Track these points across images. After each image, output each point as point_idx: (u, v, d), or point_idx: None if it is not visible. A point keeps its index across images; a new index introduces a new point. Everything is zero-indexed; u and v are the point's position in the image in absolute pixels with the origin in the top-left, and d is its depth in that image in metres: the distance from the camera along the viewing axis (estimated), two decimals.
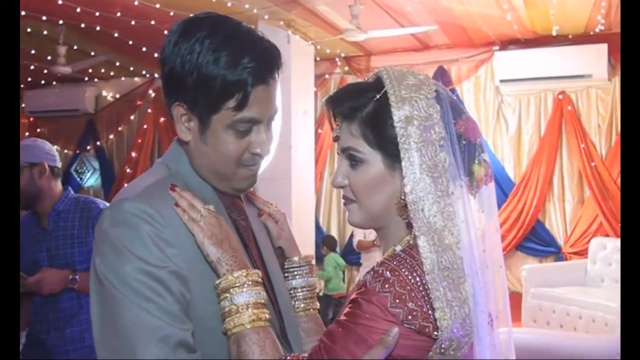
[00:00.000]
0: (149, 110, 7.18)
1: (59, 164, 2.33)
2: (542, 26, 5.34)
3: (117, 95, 7.46)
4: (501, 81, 5.84)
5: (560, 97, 5.75)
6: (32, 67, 6.07)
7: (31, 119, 7.83)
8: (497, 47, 5.85)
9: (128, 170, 7.17)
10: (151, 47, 5.49)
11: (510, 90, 5.96)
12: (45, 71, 5.88)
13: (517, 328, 3.97)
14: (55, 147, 2.40)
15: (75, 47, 5.60)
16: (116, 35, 5.21)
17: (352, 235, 5.96)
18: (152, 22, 4.73)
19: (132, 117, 7.39)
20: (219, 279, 0.98)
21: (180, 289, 0.97)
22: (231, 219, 1.12)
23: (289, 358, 0.96)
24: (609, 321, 4.52)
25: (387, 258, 0.98)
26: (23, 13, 4.35)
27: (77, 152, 7.67)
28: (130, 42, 5.49)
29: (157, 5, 4.46)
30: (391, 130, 0.99)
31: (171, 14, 4.51)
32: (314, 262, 1.30)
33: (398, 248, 1.01)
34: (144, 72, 7.11)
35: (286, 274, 1.23)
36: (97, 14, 4.54)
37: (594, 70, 5.46)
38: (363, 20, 4.58)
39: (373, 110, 1.01)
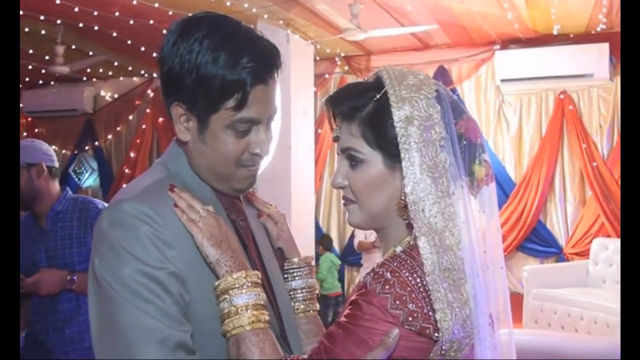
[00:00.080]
0: (148, 110, 7.16)
1: (57, 164, 2.33)
2: (543, 25, 5.34)
3: (116, 95, 7.45)
4: (502, 81, 5.83)
5: (562, 96, 5.74)
6: (30, 67, 6.05)
7: (29, 119, 7.83)
8: (498, 47, 5.84)
9: (127, 170, 7.16)
10: (150, 46, 5.48)
11: (511, 89, 5.95)
12: (43, 71, 5.87)
13: (518, 329, 3.97)
14: (54, 147, 2.41)
15: (73, 47, 5.59)
16: (114, 34, 5.20)
17: (352, 236, 5.95)
18: (151, 22, 4.73)
19: (130, 117, 7.38)
20: (218, 280, 0.98)
21: (179, 290, 0.96)
22: (230, 219, 1.12)
23: (288, 359, 0.96)
24: (610, 322, 4.51)
25: (388, 259, 0.98)
26: (21, 13, 4.35)
27: (76, 152, 7.66)
28: (129, 42, 5.49)
29: (156, 5, 4.45)
30: (391, 130, 0.98)
31: (170, 13, 4.51)
32: (313, 263, 1.29)
33: (398, 249, 1.01)
34: (142, 72, 7.10)
35: (286, 275, 1.23)
36: (96, 13, 4.54)
37: (595, 70, 5.45)
38: (363, 19, 4.58)
39: (373, 110, 1.01)
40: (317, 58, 6.17)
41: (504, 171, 5.93)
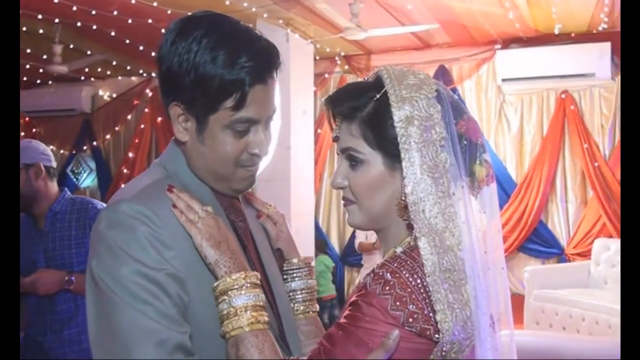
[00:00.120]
0: (146, 110, 7.15)
1: (55, 164, 2.32)
2: (545, 24, 5.33)
3: (114, 95, 7.43)
4: (503, 80, 5.81)
5: (563, 96, 5.73)
6: (27, 66, 6.04)
7: (27, 118, 7.80)
8: (499, 46, 5.83)
9: (125, 170, 7.14)
10: (148, 46, 5.48)
11: (512, 89, 5.94)
12: (41, 70, 5.85)
13: (520, 330, 3.98)
14: (51, 147, 2.40)
15: (71, 46, 5.58)
16: (113, 34, 5.19)
17: (353, 237, 5.95)
18: (149, 21, 4.72)
19: (129, 117, 7.36)
20: (217, 281, 0.97)
21: (178, 292, 0.96)
22: (229, 220, 1.11)
23: None
24: (612, 323, 4.50)
25: (388, 260, 0.97)
26: None
27: (74, 152, 7.64)
28: (127, 41, 5.48)
29: (154, 4, 4.44)
30: (391, 131, 0.98)
31: (168, 12, 4.50)
32: (313, 263, 1.29)
33: (398, 250, 1.01)
34: (141, 72, 7.09)
35: (285, 276, 1.22)
36: (94, 12, 4.53)
37: (597, 69, 5.43)
38: (363, 18, 4.57)
39: (373, 110, 1.00)
40: (317, 57, 6.16)
41: (505, 171, 5.92)
